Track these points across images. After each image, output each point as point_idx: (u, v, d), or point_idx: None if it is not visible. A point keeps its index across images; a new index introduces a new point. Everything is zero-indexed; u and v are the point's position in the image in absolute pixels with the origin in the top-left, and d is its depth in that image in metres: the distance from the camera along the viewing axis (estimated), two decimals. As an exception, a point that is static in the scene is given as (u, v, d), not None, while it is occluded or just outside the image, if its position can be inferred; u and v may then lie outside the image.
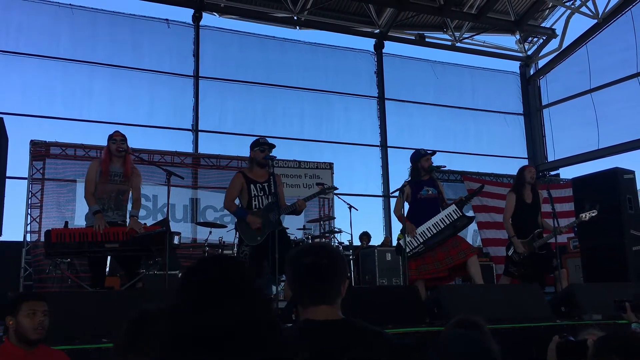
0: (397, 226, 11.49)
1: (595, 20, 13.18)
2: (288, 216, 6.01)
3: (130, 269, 5.37)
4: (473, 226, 10.98)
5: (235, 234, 5.73)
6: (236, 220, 5.46)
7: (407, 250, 5.69)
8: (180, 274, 6.43)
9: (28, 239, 8.56)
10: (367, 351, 1.78)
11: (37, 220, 8.65)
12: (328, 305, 1.87)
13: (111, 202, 5.27)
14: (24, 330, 2.85)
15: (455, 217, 5.82)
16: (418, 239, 5.81)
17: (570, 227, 6.70)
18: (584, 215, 6.25)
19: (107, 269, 5.74)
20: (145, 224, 5.45)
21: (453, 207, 5.88)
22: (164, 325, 1.19)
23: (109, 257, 5.52)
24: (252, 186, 5.36)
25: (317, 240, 8.84)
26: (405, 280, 5.77)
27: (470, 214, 7.57)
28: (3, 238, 5.13)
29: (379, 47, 13.33)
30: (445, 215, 5.85)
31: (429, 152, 6.07)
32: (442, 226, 5.81)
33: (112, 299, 4.28)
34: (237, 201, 5.49)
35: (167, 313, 1.20)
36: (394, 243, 7.55)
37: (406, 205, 5.99)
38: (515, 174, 6.72)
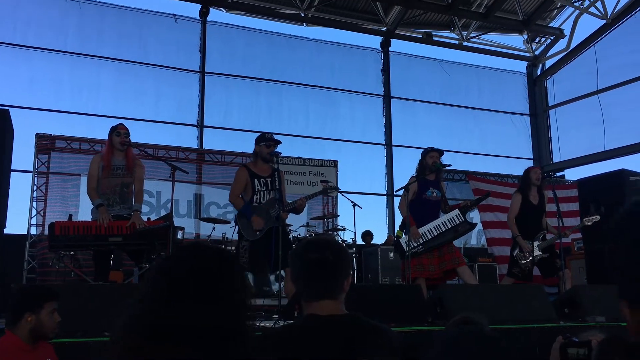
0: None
1: (604, 21, 13.09)
2: (291, 214, 6.00)
3: (138, 260, 5.37)
4: (478, 225, 10.95)
5: (235, 227, 5.74)
6: (237, 214, 5.47)
7: (406, 249, 5.72)
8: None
9: (32, 232, 8.59)
10: (372, 346, 1.76)
11: (42, 213, 8.68)
12: (332, 300, 1.87)
13: (116, 196, 5.25)
14: (45, 329, 2.74)
15: (458, 222, 5.86)
16: (418, 240, 5.83)
17: (573, 230, 6.68)
18: (587, 220, 6.26)
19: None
20: (149, 218, 5.45)
21: (456, 211, 5.92)
22: (127, 320, 1.15)
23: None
24: (255, 181, 5.37)
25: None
26: (407, 279, 5.77)
27: (474, 219, 7.58)
28: (7, 231, 5.13)
29: (385, 45, 13.29)
30: (448, 219, 5.90)
31: (436, 150, 6.08)
32: (444, 229, 5.86)
33: (115, 293, 4.28)
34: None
35: (134, 308, 1.16)
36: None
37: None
38: (521, 174, 6.72)
